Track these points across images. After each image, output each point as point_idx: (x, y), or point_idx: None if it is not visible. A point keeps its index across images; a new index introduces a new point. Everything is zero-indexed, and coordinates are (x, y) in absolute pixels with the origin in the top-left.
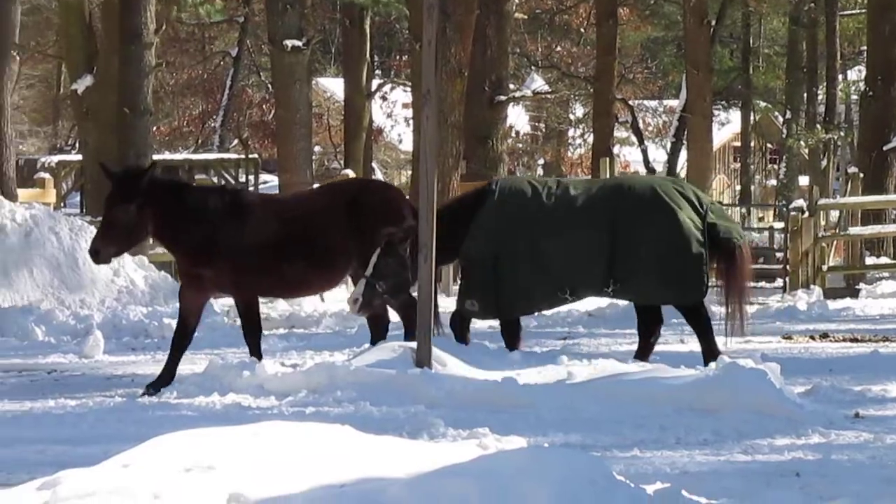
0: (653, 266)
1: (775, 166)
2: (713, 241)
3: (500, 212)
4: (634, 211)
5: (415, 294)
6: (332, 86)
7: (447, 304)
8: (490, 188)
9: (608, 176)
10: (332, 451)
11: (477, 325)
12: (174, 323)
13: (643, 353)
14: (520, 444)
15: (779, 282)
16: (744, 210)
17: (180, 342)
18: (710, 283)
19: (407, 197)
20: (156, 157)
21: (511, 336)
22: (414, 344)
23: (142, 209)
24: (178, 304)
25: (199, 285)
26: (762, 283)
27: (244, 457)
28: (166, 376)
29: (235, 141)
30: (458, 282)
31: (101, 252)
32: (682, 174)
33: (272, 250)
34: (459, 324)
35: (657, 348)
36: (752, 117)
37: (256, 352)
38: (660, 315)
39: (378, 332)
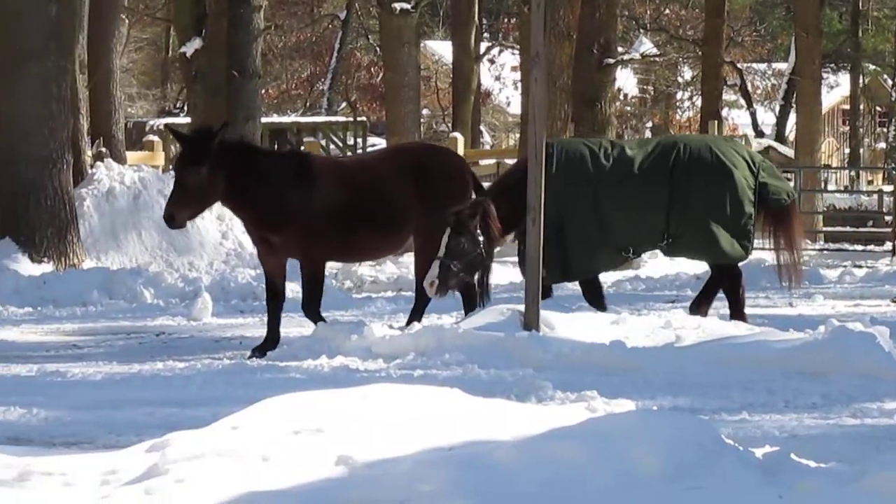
0: (705, 224)
1: (884, 129)
2: (763, 201)
3: (560, 176)
4: (691, 169)
5: None
6: (441, 49)
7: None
8: (547, 153)
9: None
10: (440, 414)
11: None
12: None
13: (735, 313)
14: (628, 407)
15: (888, 245)
16: (853, 173)
17: (273, 304)
18: (753, 246)
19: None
20: (264, 119)
21: (594, 296)
22: (522, 307)
23: (213, 171)
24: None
25: (269, 249)
26: (871, 247)
27: (352, 419)
28: (271, 339)
29: (344, 104)
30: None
31: (177, 217)
32: (791, 137)
33: (340, 215)
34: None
35: (766, 311)
36: (861, 80)
37: (319, 317)
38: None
39: (470, 298)
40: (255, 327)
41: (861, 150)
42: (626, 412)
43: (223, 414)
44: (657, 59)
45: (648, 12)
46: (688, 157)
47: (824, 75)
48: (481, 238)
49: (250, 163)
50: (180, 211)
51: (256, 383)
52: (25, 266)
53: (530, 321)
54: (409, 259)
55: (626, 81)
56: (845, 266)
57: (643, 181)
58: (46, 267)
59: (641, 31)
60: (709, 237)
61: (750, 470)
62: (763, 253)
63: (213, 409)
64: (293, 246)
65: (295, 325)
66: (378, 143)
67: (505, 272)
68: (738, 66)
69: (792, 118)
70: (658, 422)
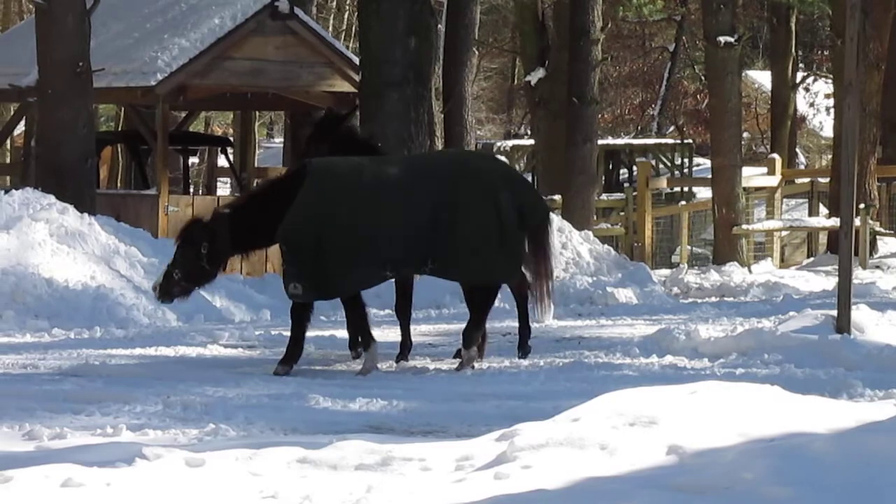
0: (473, 246)
1: None
2: (523, 220)
3: (318, 192)
4: (454, 190)
5: None
6: (760, 78)
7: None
8: (304, 170)
9: None
10: (760, 409)
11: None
12: (617, 291)
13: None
14: None
15: None
16: None
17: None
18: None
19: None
20: (600, 141)
21: (359, 318)
22: (834, 312)
23: None
24: (619, 275)
25: None
26: None
27: (682, 413)
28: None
29: (672, 127)
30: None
31: None
32: None
33: None
34: (298, 312)
35: None
36: None
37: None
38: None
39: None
40: (591, 328)
41: None
42: None
43: (564, 407)
44: None
45: None
46: (450, 178)
47: None
48: (205, 250)
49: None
50: None
51: (593, 379)
52: None
53: (842, 325)
54: (730, 267)
55: None
56: None
57: (405, 201)
58: None
59: None
60: (477, 259)
61: None
62: None
63: (554, 402)
64: None
65: (627, 327)
66: (703, 163)
67: (818, 280)
68: None
69: None
70: None
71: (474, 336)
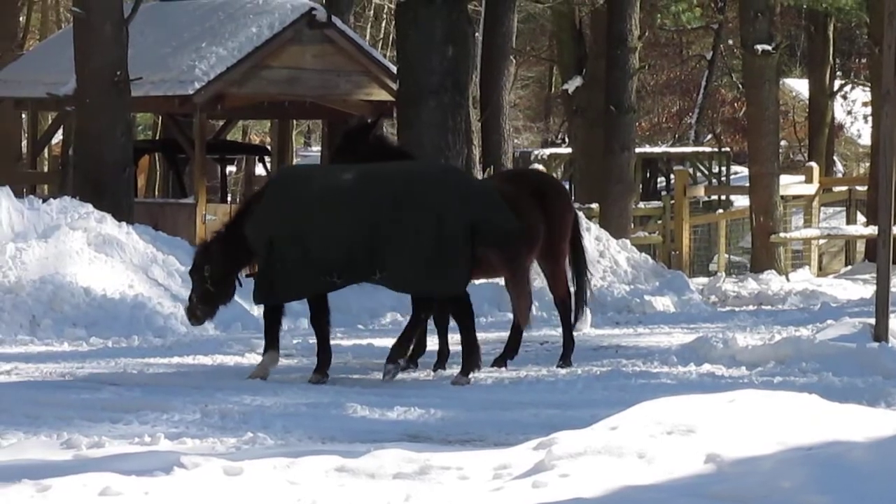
0: (410, 258)
1: None
2: (480, 236)
3: (274, 199)
4: (399, 201)
5: None
6: (798, 86)
7: None
8: (271, 179)
9: None
10: (799, 417)
11: None
12: (655, 300)
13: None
14: None
15: None
16: None
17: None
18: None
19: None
20: (638, 150)
21: (271, 322)
22: (872, 320)
23: None
24: (657, 283)
25: None
26: None
27: (720, 421)
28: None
29: (709, 136)
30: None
31: None
32: None
33: None
34: (318, 320)
35: None
36: None
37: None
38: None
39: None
40: (629, 337)
41: None
42: None
43: (602, 416)
44: None
45: None
46: (397, 186)
47: None
48: (208, 273)
49: None
50: None
51: (631, 388)
52: None
53: (880, 333)
54: (768, 276)
55: None
56: None
57: (351, 209)
58: None
59: None
60: (417, 271)
61: None
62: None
63: (592, 410)
64: None
65: (664, 335)
66: (740, 171)
67: (856, 289)
68: None
69: None
70: None
71: (472, 360)
